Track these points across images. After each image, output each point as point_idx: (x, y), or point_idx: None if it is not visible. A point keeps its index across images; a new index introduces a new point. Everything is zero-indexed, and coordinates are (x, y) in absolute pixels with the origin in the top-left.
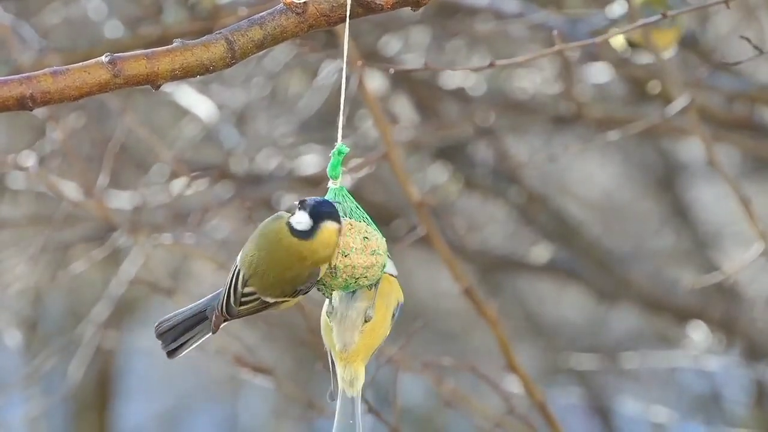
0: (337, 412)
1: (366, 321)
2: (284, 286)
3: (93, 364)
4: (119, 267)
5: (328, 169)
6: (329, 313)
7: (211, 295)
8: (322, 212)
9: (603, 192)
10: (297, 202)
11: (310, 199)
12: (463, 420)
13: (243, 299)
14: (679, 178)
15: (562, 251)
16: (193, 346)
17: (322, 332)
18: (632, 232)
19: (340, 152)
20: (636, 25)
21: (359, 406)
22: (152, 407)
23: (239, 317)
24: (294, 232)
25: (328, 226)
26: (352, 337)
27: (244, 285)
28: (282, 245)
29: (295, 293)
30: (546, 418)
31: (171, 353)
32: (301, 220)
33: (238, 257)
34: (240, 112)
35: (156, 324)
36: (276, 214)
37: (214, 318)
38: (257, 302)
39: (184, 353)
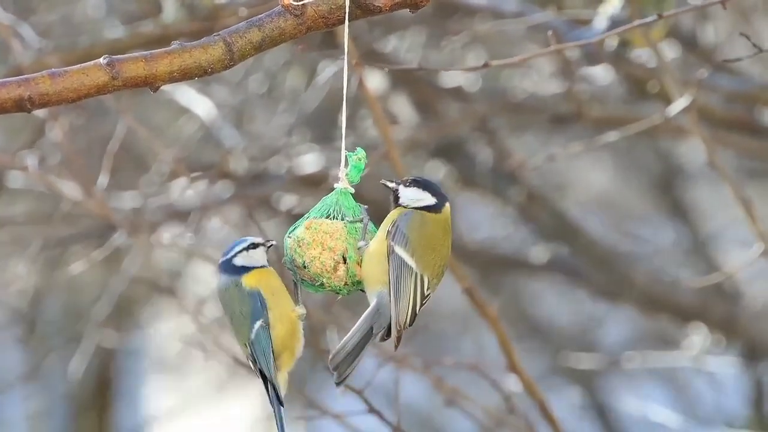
0: (283, 421)
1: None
2: (443, 270)
3: (93, 364)
4: (119, 266)
5: (349, 172)
6: (301, 318)
7: (368, 314)
8: (436, 188)
9: (603, 192)
10: (398, 183)
11: (412, 179)
12: (463, 419)
13: (423, 302)
14: (679, 178)
15: (562, 251)
16: (358, 366)
17: (282, 336)
18: (632, 232)
19: (363, 157)
20: (632, 25)
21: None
22: (152, 407)
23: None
24: (429, 209)
25: (446, 203)
26: (301, 344)
27: (427, 288)
28: (432, 229)
29: (443, 274)
30: (546, 417)
31: (341, 382)
32: (424, 197)
33: (413, 265)
34: (239, 111)
35: (330, 357)
36: (414, 215)
37: (395, 333)
38: (426, 301)
39: (350, 377)
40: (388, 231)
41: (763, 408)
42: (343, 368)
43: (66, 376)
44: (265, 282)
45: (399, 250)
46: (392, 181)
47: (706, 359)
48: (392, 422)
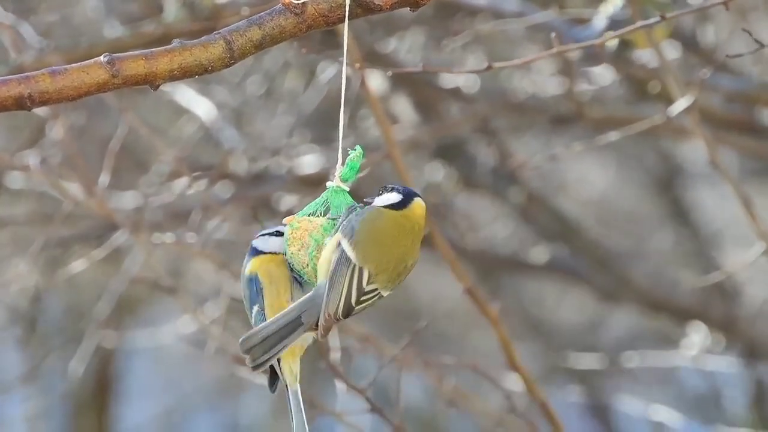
0: (291, 407)
1: None
2: (399, 270)
3: (93, 364)
4: (120, 266)
5: (344, 171)
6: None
7: (301, 302)
8: (409, 191)
9: (603, 192)
10: (379, 190)
11: (393, 185)
12: (464, 419)
13: (363, 297)
14: (680, 178)
15: (562, 251)
16: (279, 356)
17: None
18: (632, 232)
19: (360, 155)
20: (634, 27)
21: (300, 397)
22: (152, 407)
23: (350, 316)
24: (390, 207)
25: (417, 200)
26: (308, 336)
27: (368, 283)
28: (384, 223)
29: (405, 276)
30: (547, 416)
31: (257, 366)
32: (391, 197)
33: (352, 256)
34: (239, 111)
35: (242, 340)
36: (372, 210)
37: (323, 322)
38: (375, 298)
39: (269, 364)
40: (342, 224)
41: (763, 408)
42: (257, 353)
43: (66, 376)
44: (265, 268)
45: (343, 242)
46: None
47: (706, 359)
48: (394, 422)
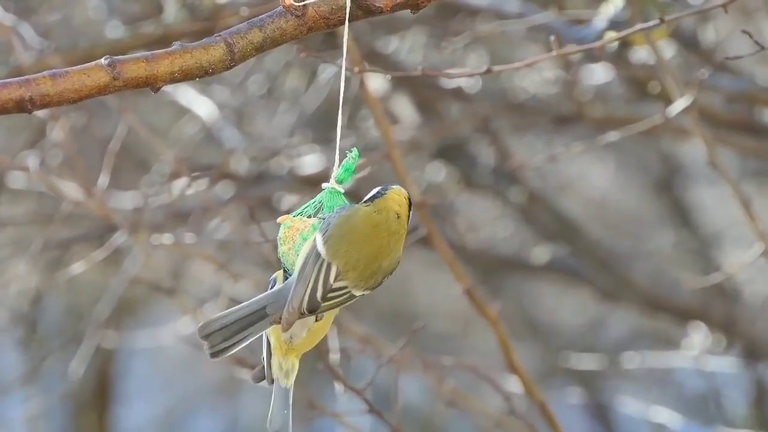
0: (272, 402)
1: (317, 320)
2: (373, 269)
3: (93, 365)
4: (119, 267)
5: (339, 173)
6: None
7: (268, 293)
8: (388, 186)
9: (603, 192)
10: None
11: (387, 184)
12: (463, 420)
13: (330, 294)
14: (680, 178)
15: (563, 251)
16: (241, 346)
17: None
18: (632, 233)
19: (355, 157)
20: (634, 29)
21: (291, 397)
22: (152, 408)
23: (317, 312)
24: (364, 202)
25: (392, 193)
26: (301, 331)
27: (336, 279)
28: (357, 219)
29: (382, 277)
30: (546, 417)
31: (215, 354)
32: (371, 194)
33: (322, 251)
34: (240, 112)
35: (201, 325)
36: (349, 208)
37: (286, 315)
38: (345, 297)
39: (229, 354)
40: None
41: (763, 408)
42: (215, 340)
43: (66, 377)
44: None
45: (317, 237)
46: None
47: (706, 359)
48: (392, 423)
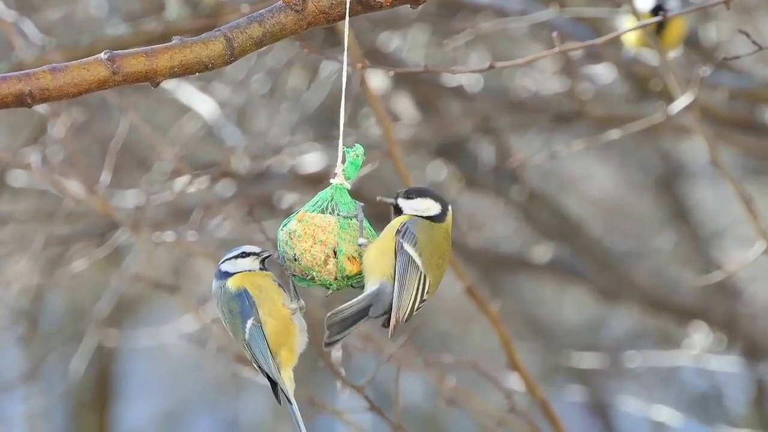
0: (298, 418)
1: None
2: (440, 278)
3: (93, 363)
4: (121, 265)
5: (347, 168)
6: (294, 312)
7: (368, 294)
8: (443, 200)
9: (604, 191)
10: (405, 193)
11: (413, 189)
12: (464, 418)
13: (419, 305)
14: (681, 176)
15: (564, 250)
16: (343, 338)
17: (275, 330)
18: (633, 231)
19: (362, 153)
20: (637, 26)
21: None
22: (152, 407)
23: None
24: (434, 218)
25: (449, 209)
26: (304, 339)
27: (427, 292)
28: (437, 234)
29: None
30: (547, 415)
31: (329, 344)
32: (429, 205)
33: (419, 263)
34: (241, 110)
35: (329, 314)
36: (421, 222)
37: (394, 323)
38: (422, 305)
39: (337, 345)
40: (397, 230)
41: (764, 407)
42: (334, 330)
43: (67, 375)
44: (249, 280)
45: (408, 248)
46: (389, 197)
47: (707, 358)
48: (393, 420)
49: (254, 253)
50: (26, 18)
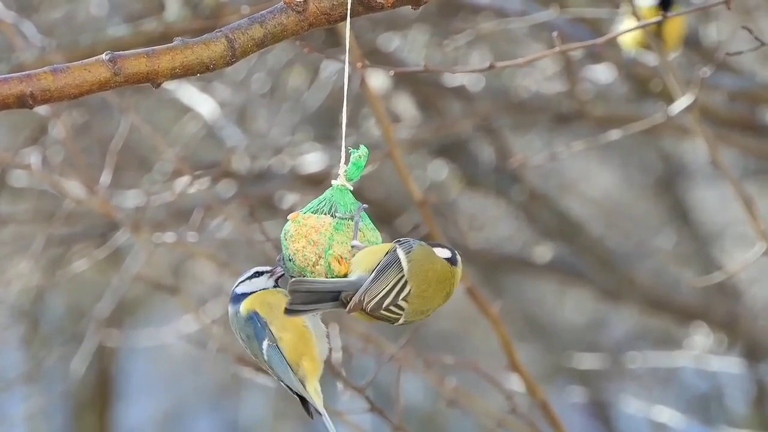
0: (330, 428)
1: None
2: (423, 309)
3: (94, 363)
4: (121, 265)
5: (349, 170)
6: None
7: (344, 280)
8: (455, 252)
9: (605, 191)
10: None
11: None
12: (465, 419)
13: (392, 308)
14: (681, 177)
15: (564, 250)
16: (314, 313)
17: (292, 343)
18: (634, 232)
19: (365, 154)
20: (637, 26)
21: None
22: (152, 407)
23: (368, 314)
24: (447, 260)
25: (460, 265)
26: (325, 346)
27: (404, 299)
28: (436, 263)
29: (417, 319)
30: (548, 416)
31: (292, 311)
32: (440, 251)
33: (405, 267)
34: (242, 110)
35: (293, 280)
36: (426, 246)
37: (354, 304)
38: (393, 317)
39: (302, 315)
40: (398, 240)
41: (764, 407)
42: (297, 299)
43: (67, 375)
44: (259, 300)
45: (400, 252)
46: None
47: (708, 359)
48: (394, 421)
49: (266, 272)
50: (26, 19)
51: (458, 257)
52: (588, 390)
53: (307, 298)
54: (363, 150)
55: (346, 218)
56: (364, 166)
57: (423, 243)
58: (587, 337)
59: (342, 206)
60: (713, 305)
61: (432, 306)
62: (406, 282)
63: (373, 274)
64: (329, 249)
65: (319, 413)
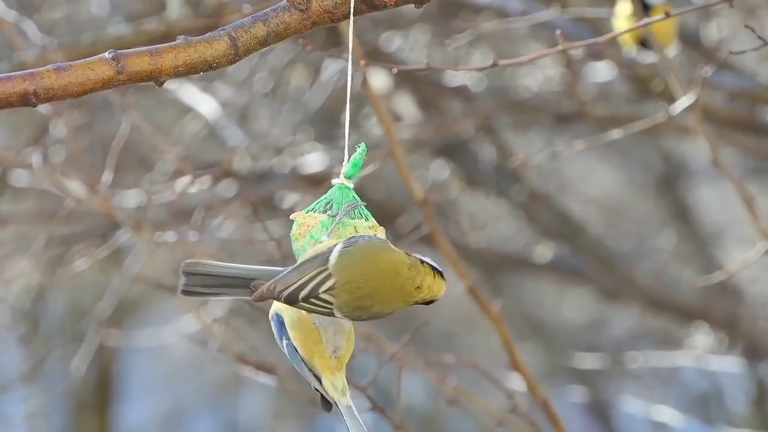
0: (349, 426)
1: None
2: (363, 304)
3: (94, 363)
4: (122, 265)
5: (348, 168)
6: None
7: (261, 269)
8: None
9: (605, 191)
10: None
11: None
12: (465, 418)
13: (313, 300)
14: (682, 176)
15: (565, 250)
16: (211, 300)
17: (300, 341)
18: (635, 231)
19: (363, 153)
20: (637, 25)
21: (356, 411)
22: (153, 407)
23: (292, 306)
24: (431, 266)
25: (443, 276)
26: (341, 341)
27: (327, 291)
28: (385, 256)
29: (367, 316)
30: (549, 416)
31: (186, 293)
32: (428, 258)
33: (331, 260)
34: (243, 110)
35: (188, 261)
36: (381, 242)
37: (263, 291)
38: (325, 311)
39: (195, 298)
40: (353, 236)
41: (765, 407)
42: (194, 281)
43: (67, 375)
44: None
45: (338, 246)
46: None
47: (709, 359)
48: (395, 420)
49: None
50: (27, 18)
51: (440, 271)
52: (588, 389)
53: (207, 281)
54: (361, 148)
55: (334, 215)
56: (362, 165)
57: (384, 241)
58: (587, 336)
59: (338, 205)
60: (714, 305)
61: (375, 302)
62: (329, 275)
63: (294, 265)
64: (307, 247)
65: (336, 405)
